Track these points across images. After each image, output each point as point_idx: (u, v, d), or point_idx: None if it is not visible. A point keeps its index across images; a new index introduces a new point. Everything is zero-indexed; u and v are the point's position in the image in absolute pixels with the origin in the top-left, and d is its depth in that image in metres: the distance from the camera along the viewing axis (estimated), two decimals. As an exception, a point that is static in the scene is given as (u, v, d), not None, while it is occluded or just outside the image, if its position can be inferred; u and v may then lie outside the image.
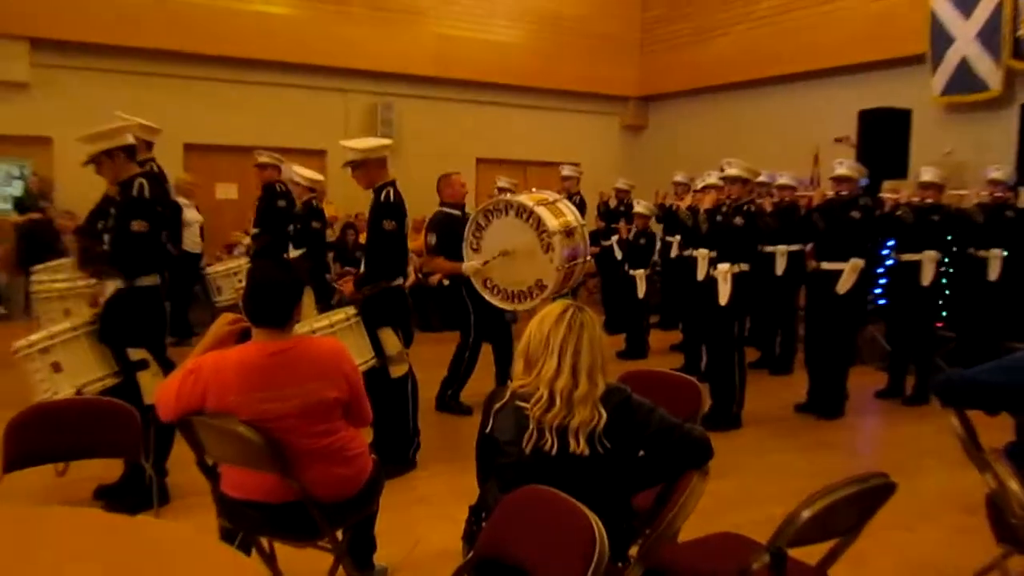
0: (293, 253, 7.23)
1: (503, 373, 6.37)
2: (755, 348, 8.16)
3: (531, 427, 2.33)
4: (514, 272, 5.71)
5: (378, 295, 4.69)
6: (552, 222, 5.66)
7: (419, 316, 9.64)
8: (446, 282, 9.92)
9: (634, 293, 8.53)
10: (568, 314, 2.39)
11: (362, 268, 4.83)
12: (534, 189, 6.34)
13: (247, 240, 8.09)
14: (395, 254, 4.75)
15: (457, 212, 6.28)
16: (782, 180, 7.93)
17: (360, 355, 4.47)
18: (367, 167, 4.69)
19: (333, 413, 2.79)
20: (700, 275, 6.61)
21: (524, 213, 5.70)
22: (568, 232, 5.77)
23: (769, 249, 7.72)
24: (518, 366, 2.44)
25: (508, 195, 6.26)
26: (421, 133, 12.04)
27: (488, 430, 2.43)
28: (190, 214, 9.04)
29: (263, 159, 7.74)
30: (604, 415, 2.31)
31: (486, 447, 2.47)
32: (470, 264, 5.89)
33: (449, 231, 6.08)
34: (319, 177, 7.66)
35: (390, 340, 4.75)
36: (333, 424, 2.79)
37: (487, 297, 5.88)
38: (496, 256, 5.70)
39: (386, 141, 4.89)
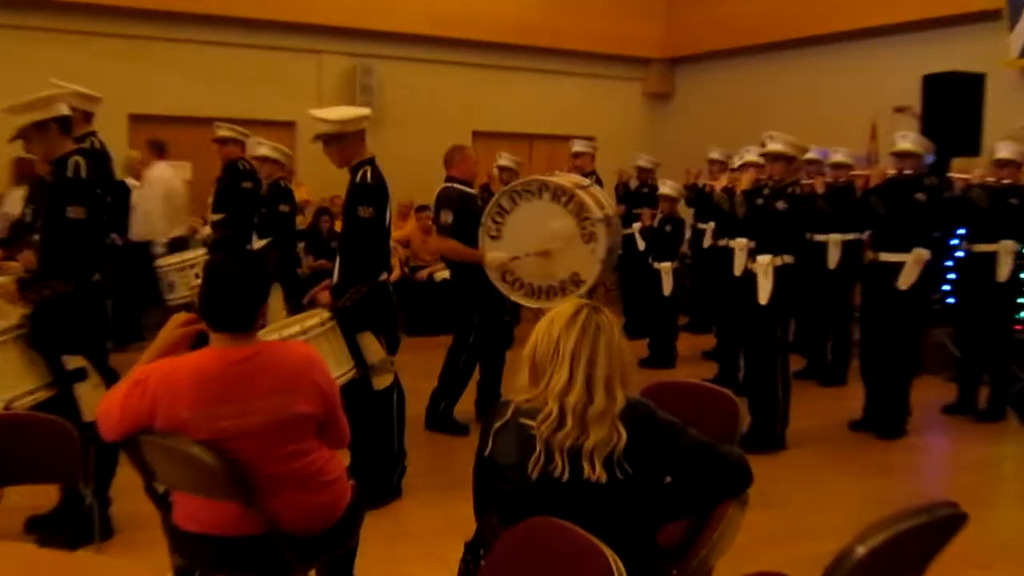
0: (257, 243, 7.22)
1: (489, 385, 6.36)
2: (802, 355, 8.15)
3: (538, 449, 2.33)
4: (543, 264, 5.78)
5: (359, 297, 4.68)
6: (595, 208, 5.72)
7: (406, 317, 9.66)
8: (440, 275, 9.96)
9: (659, 290, 8.53)
10: (582, 315, 2.39)
11: (336, 265, 4.83)
12: (557, 172, 6.37)
13: (206, 228, 8.10)
14: (374, 246, 4.74)
15: (471, 190, 6.29)
16: (836, 157, 7.92)
17: (338, 365, 4.47)
18: (342, 142, 4.69)
19: (305, 431, 2.79)
20: (737, 269, 6.61)
21: (563, 196, 5.79)
22: (608, 221, 5.81)
23: (820, 238, 7.72)
24: (522, 377, 2.44)
25: (542, 175, 6.29)
26: (407, 102, 12.04)
27: (487, 452, 2.44)
28: (139, 197, 9.04)
29: (223, 132, 7.74)
30: (624, 435, 2.31)
31: (485, 472, 2.47)
32: (494, 256, 5.90)
33: (464, 211, 6.09)
34: (287, 149, 7.66)
35: (372, 346, 4.75)
36: (305, 444, 2.79)
37: (505, 292, 5.91)
38: (531, 254, 5.72)
39: (364, 111, 4.88)
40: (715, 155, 9.12)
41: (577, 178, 6.21)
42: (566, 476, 2.31)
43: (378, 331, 4.78)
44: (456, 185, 6.19)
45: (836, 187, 7.66)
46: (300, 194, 9.49)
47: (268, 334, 4.31)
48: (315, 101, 10.89)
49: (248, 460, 2.68)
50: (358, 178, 4.69)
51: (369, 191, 4.67)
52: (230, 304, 2.73)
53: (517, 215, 5.87)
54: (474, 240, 6.04)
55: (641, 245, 9.11)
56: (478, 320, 6.17)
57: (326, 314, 4.58)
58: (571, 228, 5.78)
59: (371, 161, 4.76)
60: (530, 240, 5.86)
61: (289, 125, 11.10)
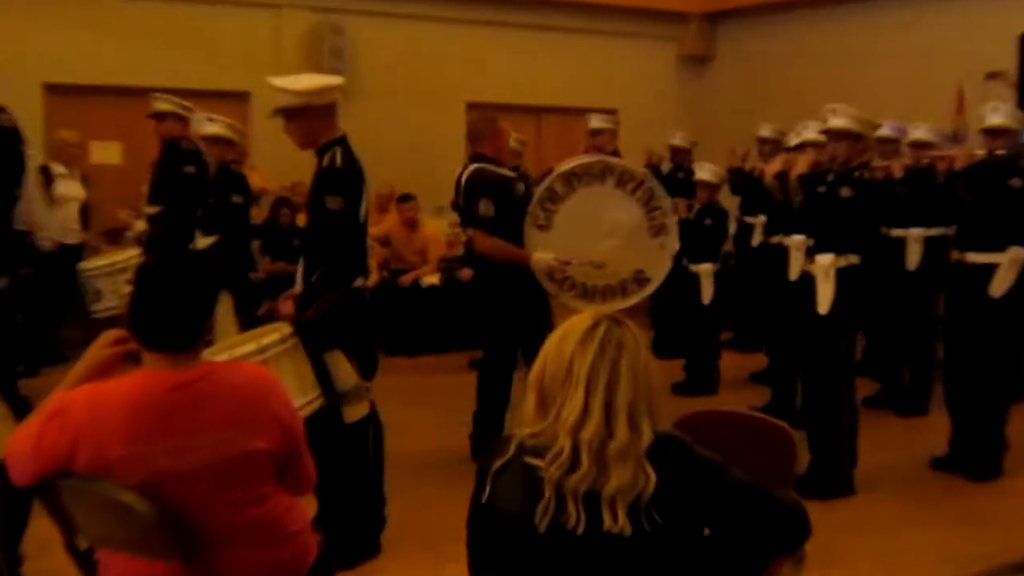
0: (202, 241, 7.25)
1: (491, 416, 6.38)
2: (873, 378, 8.14)
3: (547, 494, 2.33)
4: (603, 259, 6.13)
5: (329, 309, 4.68)
6: (665, 196, 6.22)
7: (385, 333, 9.65)
8: (428, 280, 9.96)
9: (697, 299, 8.53)
10: (600, 330, 2.39)
11: (300, 269, 4.84)
12: (598, 155, 6.68)
13: (140, 223, 8.11)
14: (346, 245, 4.75)
15: (510, 172, 6.40)
16: (915, 134, 7.92)
17: (301, 392, 4.47)
18: (307, 117, 4.70)
19: (261, 473, 2.80)
20: (793, 272, 6.61)
21: (631, 181, 6.12)
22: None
23: (896, 233, 7.73)
24: (528, 405, 2.44)
25: (603, 156, 6.62)
26: (386, 68, 12.04)
27: (486, 498, 2.43)
28: (67, 187, 9.06)
29: (162, 106, 7.77)
30: (653, 477, 2.31)
31: (483, 523, 2.47)
32: (541, 257, 5.99)
33: (505, 199, 6.17)
34: (239, 126, 7.68)
35: (343, 369, 4.75)
36: (261, 489, 2.80)
37: (553, 292, 6.16)
38: (583, 263, 5.88)
39: (336, 80, 4.90)
40: (765, 132, 9.12)
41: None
42: (582, 527, 2.31)
43: (351, 350, 4.78)
44: (491, 167, 6.26)
45: (916, 171, 7.64)
46: (255, 181, 9.51)
47: (216, 353, 4.31)
48: (273, 67, 10.86)
49: (191, 509, 2.68)
50: (326, 161, 4.70)
51: (339, 177, 4.69)
52: (167, 317, 2.73)
53: (573, 202, 6.05)
54: (513, 235, 6.17)
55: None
56: (519, 330, 6.22)
57: (287, 329, 4.57)
58: (638, 219, 6.10)
59: (342, 141, 4.78)
60: (583, 233, 6.07)
61: (241, 96, 11.12)
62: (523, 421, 2.44)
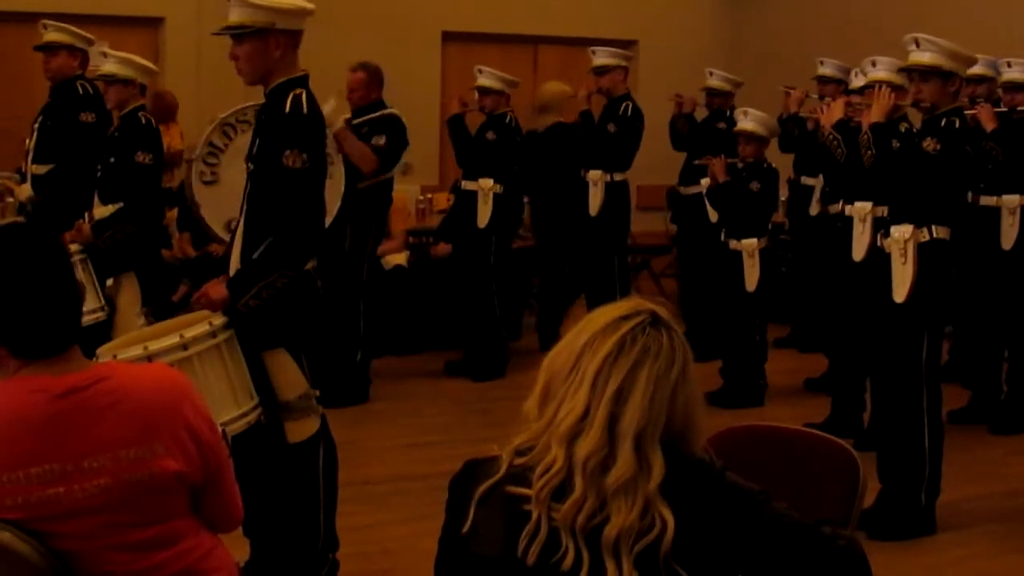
0: (101, 210, 7.22)
1: None
2: (961, 385, 8.14)
3: (534, 517, 2.30)
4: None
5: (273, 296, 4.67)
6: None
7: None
8: (394, 260, 9.94)
9: (739, 284, 8.50)
10: (627, 325, 2.37)
11: (236, 248, 4.83)
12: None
13: (25, 188, 8.05)
14: (307, 216, 4.75)
15: None
16: (1011, 73, 7.87)
17: (233, 402, 4.47)
18: (265, 42, 4.69)
19: (171, 503, 2.79)
20: (858, 250, 6.59)
21: None
22: None
23: (987, 202, 7.73)
24: (534, 390, 2.43)
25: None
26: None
27: (465, 530, 2.40)
28: None
29: (54, 36, 7.72)
30: (670, 523, 2.27)
31: (455, 561, 2.46)
32: None
33: None
34: (150, 65, 7.63)
35: (288, 373, 4.74)
36: (171, 525, 2.79)
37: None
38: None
39: (308, 4, 4.86)
40: (826, 70, 9.11)
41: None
42: (584, 572, 2.29)
43: (299, 350, 4.79)
44: None
45: (1011, 121, 7.62)
46: (170, 135, 9.47)
47: (128, 346, 4.33)
48: (195, -12, 10.87)
49: (80, 552, 2.67)
50: (289, 106, 4.68)
51: (307, 128, 4.70)
52: (27, 318, 2.69)
53: (233, 152, 6.39)
54: None
55: (712, 214, 9.07)
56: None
57: (219, 319, 4.57)
58: None
59: (305, 81, 4.78)
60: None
61: (154, 23, 11.08)
62: (523, 412, 2.44)
